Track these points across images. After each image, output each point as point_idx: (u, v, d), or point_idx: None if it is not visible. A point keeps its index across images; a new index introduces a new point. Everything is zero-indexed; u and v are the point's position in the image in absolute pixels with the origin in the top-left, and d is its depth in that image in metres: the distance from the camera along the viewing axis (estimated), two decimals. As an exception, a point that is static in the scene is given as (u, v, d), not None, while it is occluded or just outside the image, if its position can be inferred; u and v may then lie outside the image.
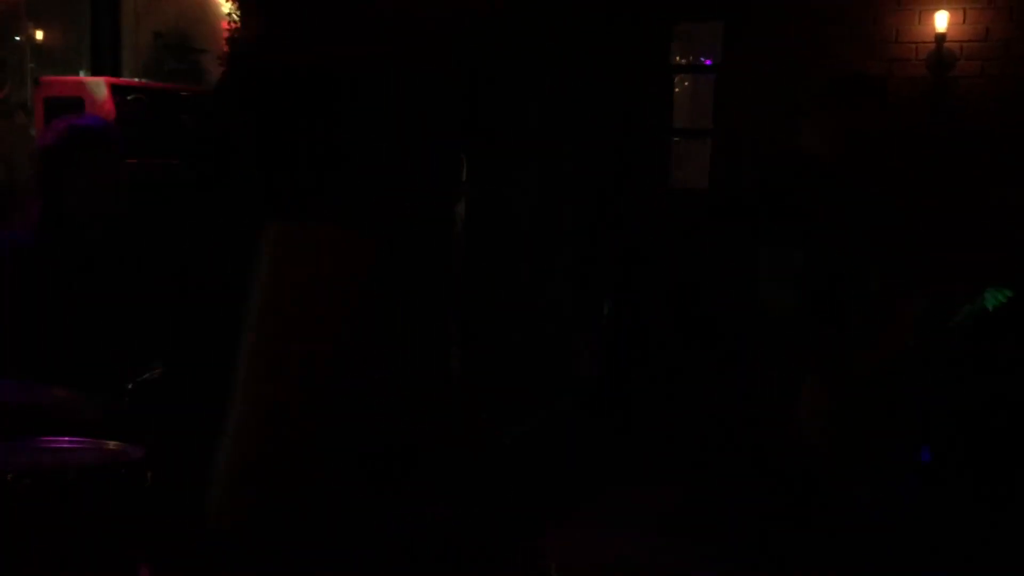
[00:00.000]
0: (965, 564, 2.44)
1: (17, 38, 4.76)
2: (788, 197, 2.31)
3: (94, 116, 2.99)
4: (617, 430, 4.89)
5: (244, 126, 0.76)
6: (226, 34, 4.20)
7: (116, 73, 4.21)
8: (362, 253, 0.71)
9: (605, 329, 4.60)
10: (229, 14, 4.18)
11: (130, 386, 2.05)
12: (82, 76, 4.09)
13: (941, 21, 4.79)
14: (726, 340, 2.10)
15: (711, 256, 4.76)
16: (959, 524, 2.54)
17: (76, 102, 3.38)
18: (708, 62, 5.98)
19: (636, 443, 4.72)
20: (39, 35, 4.86)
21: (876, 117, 2.35)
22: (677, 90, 6.01)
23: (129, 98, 3.36)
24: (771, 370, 2.21)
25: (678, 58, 5.94)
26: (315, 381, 0.69)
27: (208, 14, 4.56)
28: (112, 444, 1.92)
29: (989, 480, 2.73)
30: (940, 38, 4.80)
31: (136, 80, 4.07)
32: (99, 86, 3.45)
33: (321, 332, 0.70)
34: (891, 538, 2.19)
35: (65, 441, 1.92)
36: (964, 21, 4.82)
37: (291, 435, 0.69)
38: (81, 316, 2.31)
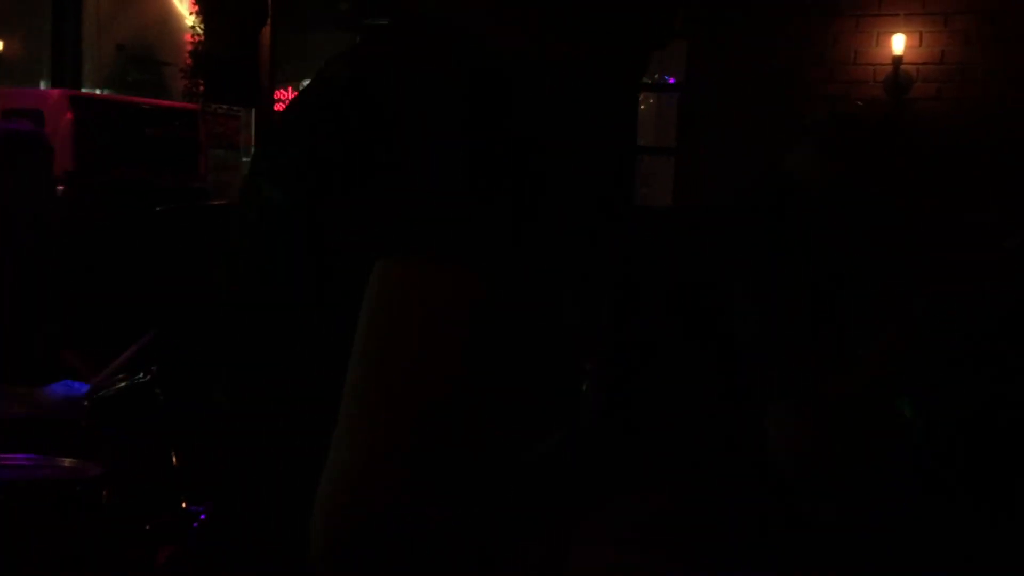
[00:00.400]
0: (965, 565, 2.45)
1: (-24, 48, 4.70)
2: (775, 216, 2.31)
3: (24, 122, 3.02)
4: (615, 431, 4.89)
5: (347, 147, 0.72)
6: (189, 47, 4.18)
7: (77, 85, 4.17)
8: (471, 288, 0.69)
9: (605, 330, 4.61)
10: (192, 27, 4.17)
11: (86, 402, 2.03)
12: (42, 87, 4.05)
13: (898, 44, 4.89)
14: (726, 340, 2.10)
15: (682, 275, 4.78)
16: (959, 526, 2.55)
17: (35, 113, 3.36)
18: (672, 80, 6.05)
19: (635, 444, 4.72)
20: (-1, 45, 4.80)
21: (878, 158, 2.34)
22: (642, 107, 6.06)
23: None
24: (771, 370, 2.21)
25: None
26: (434, 418, 0.68)
27: (171, 27, 4.53)
28: (68, 461, 1.89)
29: (989, 482, 2.74)
30: (897, 61, 4.89)
31: (98, 91, 4.04)
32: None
33: (437, 370, 0.68)
34: (890, 539, 2.20)
35: (21, 458, 1.89)
36: (920, 44, 4.92)
37: (408, 475, 0.67)
38: (29, 321, 2.29)
